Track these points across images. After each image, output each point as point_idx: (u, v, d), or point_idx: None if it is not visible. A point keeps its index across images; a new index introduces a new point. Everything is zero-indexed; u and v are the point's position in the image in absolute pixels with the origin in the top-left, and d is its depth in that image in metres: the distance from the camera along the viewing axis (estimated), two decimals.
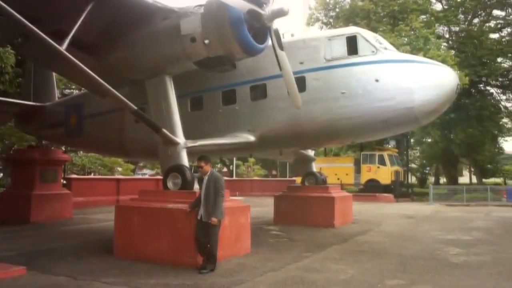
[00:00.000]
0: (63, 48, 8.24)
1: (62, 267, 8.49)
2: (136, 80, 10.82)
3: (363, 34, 11.28)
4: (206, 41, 9.22)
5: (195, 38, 9.32)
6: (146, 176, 43.49)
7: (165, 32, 9.71)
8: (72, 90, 28.31)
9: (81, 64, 8.43)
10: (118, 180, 27.33)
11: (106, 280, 7.45)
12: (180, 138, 10.06)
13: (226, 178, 38.89)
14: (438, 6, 38.79)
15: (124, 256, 9.26)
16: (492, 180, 54.22)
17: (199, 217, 8.27)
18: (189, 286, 7.15)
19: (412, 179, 50.17)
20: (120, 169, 36.37)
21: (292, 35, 12.34)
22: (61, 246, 11.13)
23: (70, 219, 17.36)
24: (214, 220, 8.16)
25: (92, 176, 32.73)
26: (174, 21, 9.57)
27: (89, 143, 15.66)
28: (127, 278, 7.61)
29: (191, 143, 10.17)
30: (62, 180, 20.36)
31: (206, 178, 8.43)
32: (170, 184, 9.73)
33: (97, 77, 8.66)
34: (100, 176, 31.16)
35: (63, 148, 21.99)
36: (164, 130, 9.76)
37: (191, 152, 10.16)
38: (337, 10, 35.93)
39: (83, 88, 17.25)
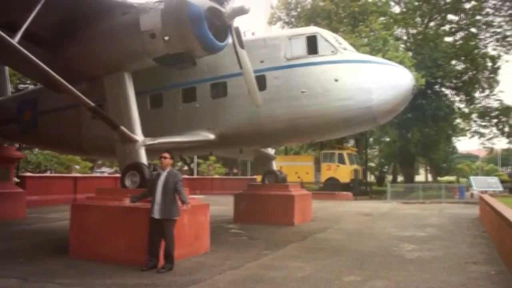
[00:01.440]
0: (15, 41, 7.93)
1: (13, 268, 8.19)
2: (94, 76, 10.56)
3: (323, 34, 11.42)
4: (166, 38, 9.12)
5: (155, 34, 9.20)
6: (105, 174, 42.62)
7: (124, 27, 9.53)
8: (27, 85, 27.36)
9: (34, 59, 8.15)
10: (75, 178, 26.68)
11: (60, 281, 7.26)
12: (138, 135, 9.91)
13: (186, 176, 38.74)
14: (396, 9, 39.83)
15: (79, 256, 9.04)
16: (446, 178, 56.19)
17: (153, 215, 8.08)
18: (147, 285, 7.05)
19: (371, 178, 51.28)
20: (77, 167, 35.45)
21: (253, 33, 12.37)
22: (13, 246, 10.76)
23: (24, 219, 16.80)
24: (186, 207, 8.21)
25: (48, 174, 31.77)
26: (134, 17, 9.42)
27: (44, 140, 15.18)
28: (83, 279, 7.43)
29: (150, 141, 10.03)
30: (15, 178, 19.68)
31: (164, 173, 8.28)
32: (128, 182, 9.58)
33: (52, 72, 8.40)
34: (56, 174, 30.28)
35: (17, 146, 21.22)
36: (122, 128, 9.58)
37: (150, 150, 10.01)
38: (299, 9, 36.19)
39: (38, 83, 16.72)
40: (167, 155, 8.42)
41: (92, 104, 9.17)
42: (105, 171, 50.75)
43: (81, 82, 10.77)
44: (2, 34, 7.75)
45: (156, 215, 8.05)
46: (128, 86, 10.15)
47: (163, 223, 8.07)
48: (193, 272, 7.89)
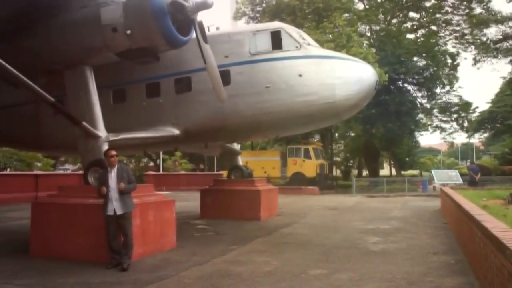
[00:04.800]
0: None
1: None
2: (54, 70, 10.26)
3: (287, 29, 11.47)
4: (128, 32, 8.97)
5: (116, 28, 9.03)
6: (68, 172, 41.66)
7: (84, 21, 9.31)
8: None
9: None
10: (36, 176, 25.94)
11: (20, 282, 7.07)
12: (101, 131, 9.71)
13: (152, 172, 38.31)
14: (360, 6, 40.42)
15: (41, 255, 8.83)
16: (410, 172, 57.46)
17: (110, 213, 7.97)
18: (111, 283, 6.95)
19: (336, 172, 51.92)
20: (39, 164, 34.51)
21: (217, 28, 12.30)
22: None
23: None
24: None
25: (7, 172, 30.79)
26: (94, 10, 9.21)
27: (1, 137, 14.62)
28: (44, 279, 7.26)
29: (113, 137, 9.85)
30: None
31: (115, 170, 8.16)
32: (91, 179, 9.39)
33: (9, 66, 8.12)
34: (16, 172, 29.40)
35: None
36: (84, 123, 9.37)
37: (113, 145, 9.81)
38: (264, 5, 36.31)
39: None
40: (114, 152, 8.31)
41: (52, 99, 8.93)
42: (69, 168, 49.62)
43: (40, 77, 10.48)
44: None
45: (118, 211, 7.95)
46: (89, 81, 9.92)
47: (124, 217, 8.00)
48: (159, 269, 7.82)
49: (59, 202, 9.30)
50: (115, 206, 7.96)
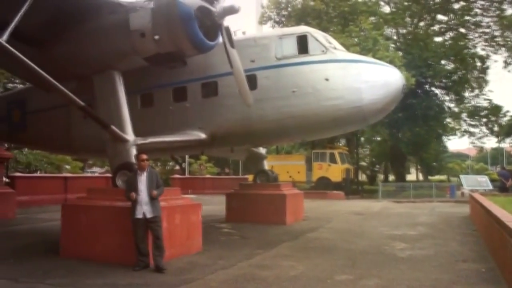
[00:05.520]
0: (3, 39, 7.84)
1: (2, 269, 8.13)
2: (84, 75, 10.48)
3: (313, 33, 11.44)
4: (156, 37, 9.08)
5: (144, 33, 9.16)
6: (96, 174, 42.37)
7: (113, 26, 9.48)
8: (15, 84, 27.12)
9: (23, 57, 8.06)
10: (66, 178, 26.47)
11: (51, 282, 7.22)
12: (129, 135, 9.85)
13: (178, 176, 38.64)
14: (386, 9, 40.06)
15: (70, 256, 9.00)
16: (437, 177, 56.53)
17: (140, 216, 8.07)
18: (139, 285, 7.04)
19: (362, 177, 51.44)
20: (68, 167, 35.19)
21: (243, 33, 12.36)
22: (2, 247, 10.64)
23: (13, 219, 16.68)
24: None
25: (38, 174, 31.51)
26: (123, 16, 9.36)
27: (33, 140, 15.03)
28: (74, 279, 7.40)
29: (141, 141, 9.98)
30: (4, 179, 19.50)
31: (145, 173, 8.28)
32: (119, 182, 9.51)
33: (41, 71, 8.31)
34: (46, 174, 30.05)
35: (6, 145, 21.04)
36: (113, 127, 9.52)
37: (141, 149, 9.95)
38: (289, 9, 36.27)
39: (27, 83, 16.56)
40: (146, 157, 8.43)
41: (82, 103, 9.10)
42: (96, 171, 50.44)
43: (71, 81, 10.71)
44: None
45: (148, 214, 8.06)
46: (118, 85, 10.10)
47: (154, 221, 8.10)
48: (185, 272, 7.87)
49: (88, 204, 9.46)
50: (144, 210, 8.06)
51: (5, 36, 7.93)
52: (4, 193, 17.30)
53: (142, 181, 8.18)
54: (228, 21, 9.76)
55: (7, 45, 7.86)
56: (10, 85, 27.22)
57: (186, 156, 41.67)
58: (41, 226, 15.17)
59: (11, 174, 24.11)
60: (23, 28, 8.45)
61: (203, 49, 9.62)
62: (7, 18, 8.14)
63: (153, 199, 8.13)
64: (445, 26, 41.19)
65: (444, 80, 39.12)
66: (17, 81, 26.32)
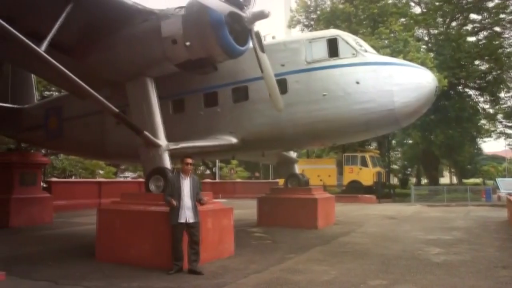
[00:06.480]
0: (42, 49, 8.11)
1: (42, 271, 8.36)
2: (117, 82, 10.72)
3: (344, 36, 11.37)
4: (187, 43, 9.20)
5: (176, 40, 9.29)
6: (128, 179, 43.14)
7: (145, 34, 9.64)
8: (52, 92, 27.94)
9: (60, 66, 8.30)
10: (99, 183, 27.10)
11: (88, 284, 7.38)
12: (162, 140, 10.00)
13: (209, 180, 38.97)
14: (417, 10, 39.42)
15: (106, 260, 9.17)
16: (472, 180, 55.17)
17: (183, 220, 8.15)
18: None
19: (394, 180, 50.70)
20: (101, 172, 36.00)
21: (273, 37, 12.38)
22: (41, 250, 10.98)
23: (51, 223, 17.12)
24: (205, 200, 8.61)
25: (73, 179, 32.33)
26: (155, 23, 9.52)
27: (69, 145, 15.46)
28: (110, 282, 7.54)
29: (173, 146, 10.11)
30: (42, 184, 20.07)
31: (189, 178, 8.39)
32: (152, 187, 9.66)
33: (77, 79, 8.53)
34: (81, 179, 30.82)
35: (43, 151, 21.68)
36: (146, 133, 9.69)
37: (173, 154, 10.10)
38: (318, 12, 36.17)
39: (62, 90, 17.03)
40: (191, 160, 8.52)
41: (116, 110, 9.30)
42: (129, 175, 51.35)
43: (105, 88, 10.97)
44: (30, 44, 7.90)
45: (190, 219, 8.16)
46: (150, 92, 10.26)
47: (195, 226, 8.23)
48: (218, 276, 7.92)
49: (122, 208, 9.64)
50: (187, 215, 8.15)
51: (44, 46, 8.20)
52: (42, 198, 17.80)
53: (186, 185, 8.29)
54: (257, 26, 9.82)
55: (46, 55, 8.11)
56: (46, 92, 28.04)
57: (217, 161, 42.01)
58: (77, 230, 15.54)
59: (47, 179, 24.82)
60: (59, 37, 8.71)
61: (234, 55, 9.69)
62: (45, 29, 8.43)
63: (195, 206, 8.27)
64: (478, 25, 40.17)
65: (478, 81, 38.21)
66: (53, 88, 27.09)
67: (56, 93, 25.94)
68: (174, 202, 8.10)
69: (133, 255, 8.96)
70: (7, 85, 17.41)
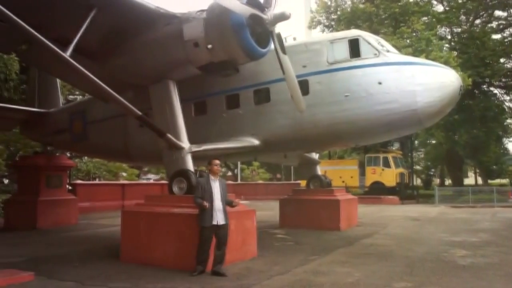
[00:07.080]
0: (67, 54, 8.28)
1: (69, 272, 8.53)
2: (140, 85, 10.86)
3: (365, 37, 11.28)
4: (209, 46, 9.27)
5: (198, 43, 9.37)
6: (151, 181, 43.57)
7: (168, 37, 9.74)
8: (76, 96, 28.44)
9: (85, 70, 8.46)
10: (123, 185, 27.47)
11: (113, 285, 7.49)
12: (184, 142, 10.08)
13: (231, 182, 39.09)
14: (439, 8, 38.81)
15: (130, 261, 9.29)
16: (498, 181, 54.07)
17: (215, 223, 8.14)
18: None
19: (417, 181, 50.06)
20: (125, 174, 36.46)
21: (294, 38, 12.38)
22: (68, 251, 11.18)
23: (76, 225, 17.46)
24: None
25: (97, 181, 32.82)
26: (177, 27, 9.61)
27: (93, 148, 15.73)
28: (135, 283, 7.63)
29: (195, 148, 10.19)
30: (67, 186, 20.45)
31: (218, 180, 8.43)
32: (175, 189, 9.75)
33: (101, 83, 8.69)
34: (105, 182, 31.26)
35: (68, 154, 22.08)
36: (169, 135, 9.79)
37: (195, 156, 10.18)
38: (339, 13, 35.97)
39: (86, 94, 17.35)
40: (218, 162, 8.58)
41: (139, 112, 9.42)
42: (151, 177, 51.86)
43: (128, 91, 11.13)
44: (56, 49, 8.09)
45: (221, 221, 8.18)
46: (173, 94, 10.37)
47: (225, 228, 8.26)
48: (242, 278, 7.94)
49: (146, 210, 9.75)
50: (218, 217, 8.16)
51: (69, 51, 8.37)
52: (67, 200, 18.15)
53: (217, 188, 8.31)
54: (278, 27, 9.82)
55: (71, 60, 8.28)
56: (71, 96, 28.55)
57: (239, 162, 42.12)
58: (102, 231, 15.78)
59: (72, 182, 25.27)
60: (83, 42, 8.88)
61: (255, 57, 9.72)
62: (70, 34, 8.60)
63: (225, 208, 8.30)
64: (504, 22, 39.32)
65: (503, 79, 37.42)
66: (77, 92, 27.57)
67: (80, 97, 26.39)
68: (207, 204, 8.12)
69: (157, 257, 9.05)
70: (34, 90, 17.85)
